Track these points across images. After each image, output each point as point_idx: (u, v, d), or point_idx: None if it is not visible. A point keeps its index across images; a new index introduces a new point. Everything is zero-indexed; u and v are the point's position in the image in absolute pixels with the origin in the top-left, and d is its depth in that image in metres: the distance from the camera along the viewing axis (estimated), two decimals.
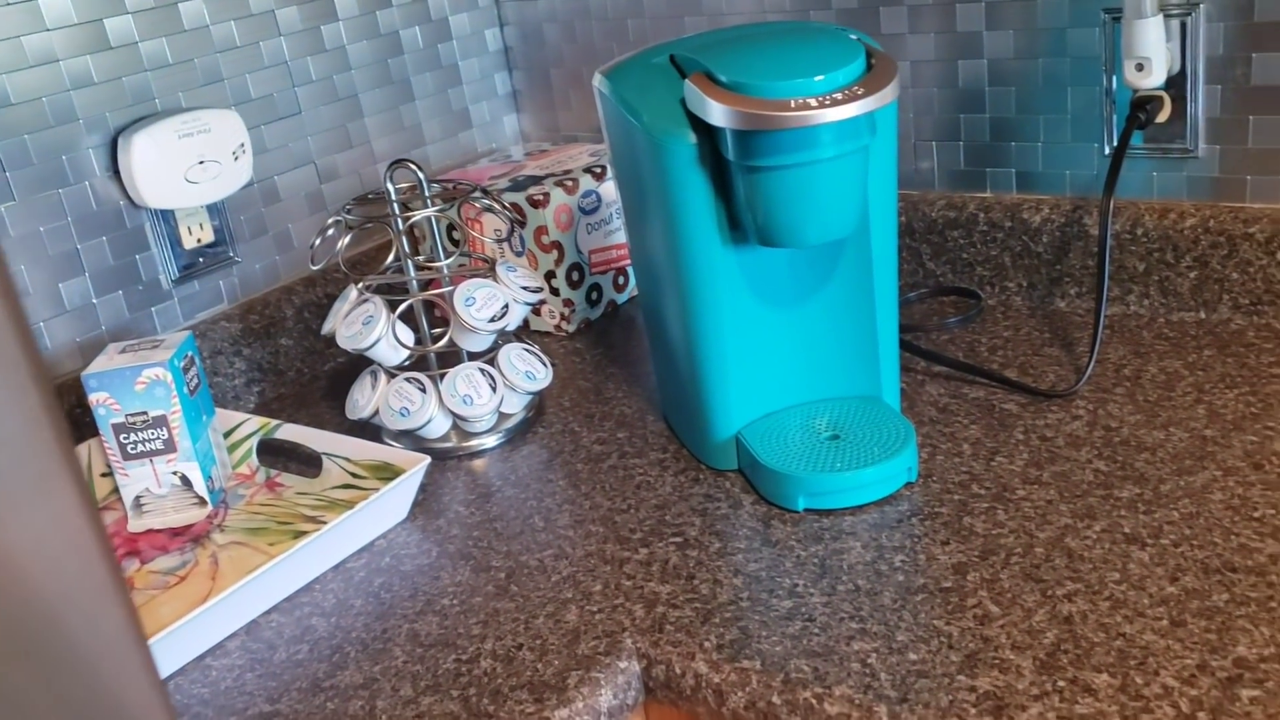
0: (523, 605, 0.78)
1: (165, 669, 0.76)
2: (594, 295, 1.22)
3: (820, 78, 0.74)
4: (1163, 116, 0.99)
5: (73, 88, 1.02)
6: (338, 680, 0.73)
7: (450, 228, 1.22)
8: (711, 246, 0.83)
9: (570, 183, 1.18)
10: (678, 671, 0.70)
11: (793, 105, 0.73)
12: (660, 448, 0.95)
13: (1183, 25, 0.96)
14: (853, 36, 0.84)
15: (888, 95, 0.74)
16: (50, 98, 1.00)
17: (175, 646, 0.75)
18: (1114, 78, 1.01)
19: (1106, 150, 1.03)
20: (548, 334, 1.22)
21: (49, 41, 1.00)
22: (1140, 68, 0.96)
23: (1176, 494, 0.79)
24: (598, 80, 0.88)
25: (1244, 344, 0.96)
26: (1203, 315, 1.02)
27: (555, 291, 1.19)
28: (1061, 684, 0.64)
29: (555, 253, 1.17)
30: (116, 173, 1.05)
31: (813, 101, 0.73)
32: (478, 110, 1.38)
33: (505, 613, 0.77)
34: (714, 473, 0.90)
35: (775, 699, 0.67)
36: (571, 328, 1.21)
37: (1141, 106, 0.98)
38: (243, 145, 1.10)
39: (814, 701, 0.66)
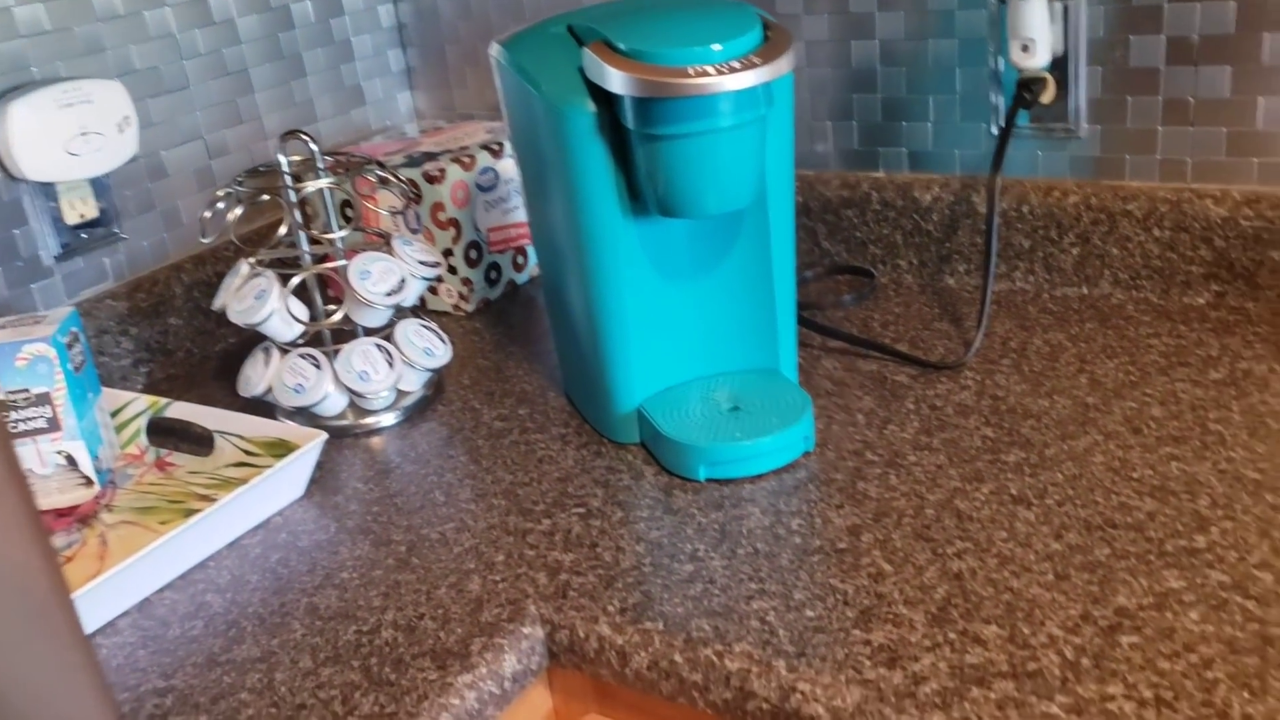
0: (424, 577, 0.77)
1: None
2: (493, 274, 1.21)
3: (718, 46, 0.75)
4: (1047, 97, 1.02)
5: None
6: (234, 654, 0.72)
7: (345, 204, 1.21)
8: (612, 218, 0.83)
9: (467, 159, 1.17)
10: (581, 635, 0.70)
11: (691, 73, 0.73)
12: (562, 423, 0.95)
13: (1065, 8, 0.99)
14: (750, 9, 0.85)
15: (784, 65, 0.75)
16: None
17: None
18: (1001, 59, 1.04)
19: (994, 130, 1.06)
20: (446, 313, 1.21)
21: None
22: (1025, 49, 0.99)
23: (1060, 457, 0.82)
24: (495, 50, 0.87)
25: (1123, 317, 1.00)
26: (1085, 290, 1.06)
27: (453, 270, 1.18)
28: (952, 635, 0.66)
29: (452, 230, 1.16)
30: None
31: (710, 69, 0.73)
32: (370, 87, 1.36)
33: (406, 584, 0.76)
34: (616, 446, 0.91)
35: (677, 657, 0.67)
36: (470, 307, 1.20)
37: (1027, 87, 1.01)
38: (127, 117, 1.07)
39: (714, 658, 0.67)
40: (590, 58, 0.78)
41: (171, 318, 1.14)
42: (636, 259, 0.86)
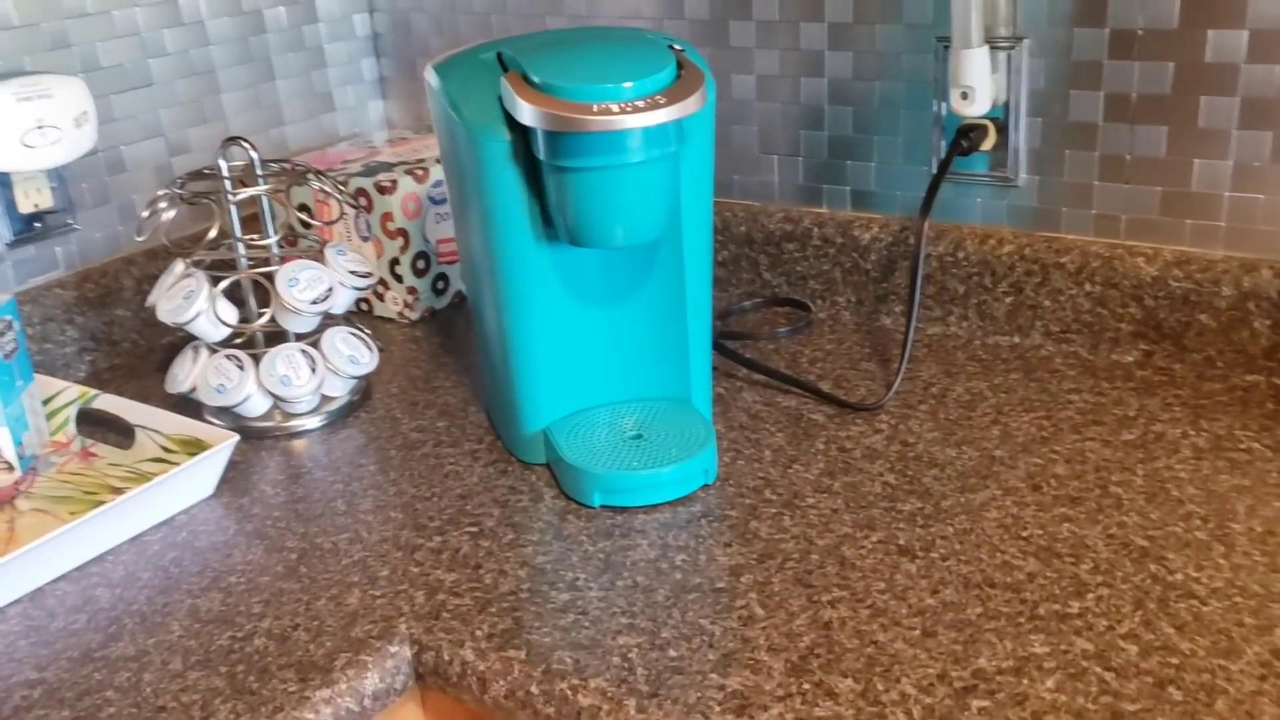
0: (308, 586, 0.78)
1: None
2: (440, 284, 1.23)
3: (628, 84, 0.76)
4: (987, 145, 1.03)
5: None
6: (109, 651, 0.73)
7: (304, 207, 1.22)
8: (524, 243, 0.84)
9: (421, 171, 1.19)
10: (446, 658, 0.71)
11: (595, 109, 0.74)
12: (476, 439, 0.96)
13: (1008, 58, 0.99)
14: (677, 46, 0.86)
15: (691, 105, 0.76)
16: None
17: None
18: (943, 105, 1.04)
19: (934, 172, 1.07)
20: (390, 320, 1.22)
21: None
22: (965, 96, 0.99)
23: (955, 510, 0.82)
24: (428, 72, 0.89)
25: (1049, 370, 1.00)
26: (1016, 340, 1.06)
27: (399, 278, 1.19)
28: (806, 686, 0.66)
29: (400, 240, 1.17)
30: None
31: (614, 107, 0.74)
32: (342, 94, 1.37)
33: (289, 593, 0.78)
34: (523, 466, 0.92)
35: (534, 689, 0.68)
36: (414, 315, 1.21)
37: (966, 134, 1.02)
38: (86, 113, 1.08)
39: (569, 693, 0.67)
40: (505, 88, 0.79)
41: (119, 309, 1.16)
42: (549, 283, 0.87)
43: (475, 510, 0.86)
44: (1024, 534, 0.79)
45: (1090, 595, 0.72)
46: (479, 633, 0.72)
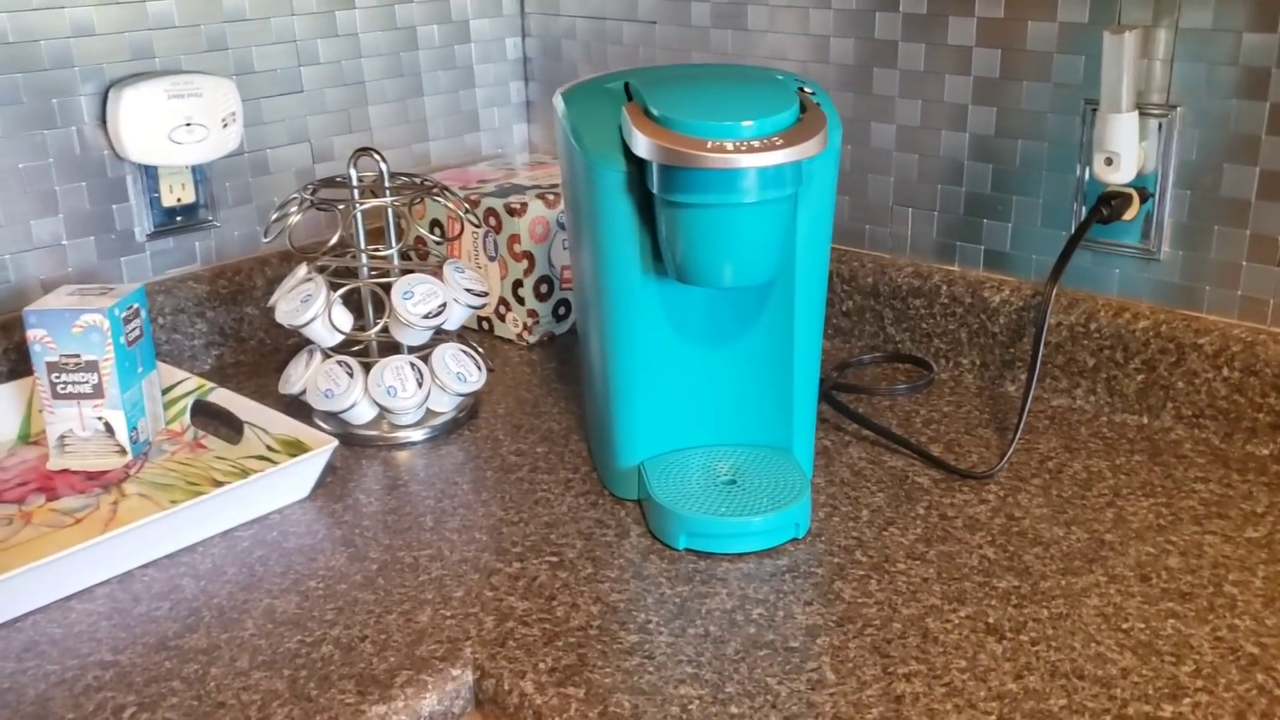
0: (382, 599, 0.78)
1: (29, 604, 0.78)
2: (561, 310, 1.23)
3: (748, 123, 0.74)
4: (1130, 214, 0.98)
5: (73, 35, 1.05)
6: (184, 641, 0.74)
7: (435, 224, 1.24)
8: (633, 275, 0.83)
9: (552, 196, 1.19)
10: (505, 688, 0.70)
11: (710, 146, 0.73)
12: (573, 468, 0.96)
13: (1160, 126, 0.95)
14: (807, 89, 0.84)
15: (810, 149, 0.74)
16: (49, 42, 1.04)
17: (42, 583, 0.77)
18: (1087, 170, 0.99)
19: None
20: (509, 341, 1.23)
21: None
22: (1110, 162, 0.95)
23: (1054, 593, 0.77)
24: (556, 97, 0.89)
25: (1177, 455, 0.94)
26: (1145, 420, 1.00)
27: (521, 300, 1.20)
28: None
29: (525, 263, 1.18)
30: (105, 122, 1.08)
31: (729, 145, 0.73)
32: (488, 115, 1.40)
33: (363, 603, 0.78)
34: (614, 500, 0.90)
35: None
36: (533, 338, 1.22)
37: (1108, 202, 0.97)
38: (233, 114, 1.13)
39: None
40: (625, 119, 0.78)
41: (249, 307, 1.19)
42: (654, 318, 0.86)
43: (559, 540, 0.85)
44: (1124, 625, 0.74)
45: (1187, 700, 0.67)
46: (542, 665, 0.71)
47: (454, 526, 0.87)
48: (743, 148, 0.73)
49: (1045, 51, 0.99)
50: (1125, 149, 0.94)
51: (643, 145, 0.75)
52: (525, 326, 1.21)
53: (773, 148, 0.73)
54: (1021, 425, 0.93)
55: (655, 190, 0.78)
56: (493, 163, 1.36)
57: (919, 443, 0.98)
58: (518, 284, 1.20)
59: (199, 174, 1.15)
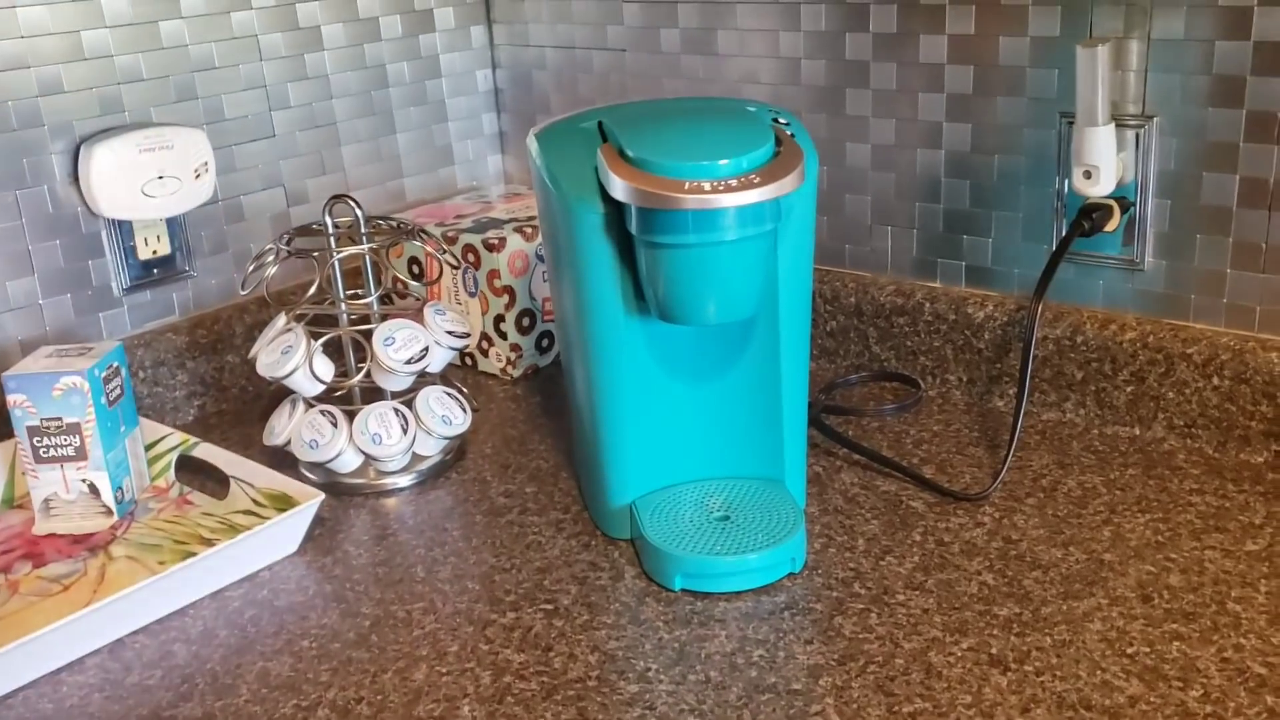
0: (377, 657, 0.77)
1: (18, 680, 0.76)
2: (544, 343, 1.22)
3: (723, 162, 0.74)
4: (1111, 226, 0.97)
5: (41, 94, 1.04)
6: (178, 711, 0.73)
7: (414, 261, 1.23)
8: (616, 315, 0.83)
9: (530, 229, 1.18)
10: None
11: (687, 187, 0.72)
12: (563, 508, 0.95)
13: (1137, 137, 0.94)
14: (781, 120, 0.84)
15: (787, 185, 0.73)
16: (17, 102, 1.03)
17: (31, 658, 0.76)
18: (1066, 182, 0.99)
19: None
20: (493, 376, 1.22)
21: (22, 48, 1.02)
22: (1088, 175, 0.94)
23: (1056, 619, 0.77)
24: (530, 139, 0.88)
25: (1171, 466, 0.94)
26: (1136, 431, 1.00)
27: (503, 335, 1.19)
28: None
29: (506, 297, 1.17)
30: (77, 179, 1.07)
31: (707, 185, 0.72)
32: (462, 148, 1.39)
33: (357, 663, 0.77)
34: (606, 540, 0.90)
35: None
36: (517, 372, 1.21)
37: (1088, 214, 0.97)
38: (206, 164, 1.11)
39: None
40: (600, 161, 0.78)
41: (229, 355, 1.18)
42: (640, 356, 0.85)
43: (553, 586, 0.84)
44: (1129, 651, 0.73)
45: None
46: None
47: (445, 576, 0.86)
48: (720, 187, 0.72)
49: (1018, 66, 0.99)
50: (1104, 161, 0.93)
51: (620, 189, 0.75)
52: (509, 361, 1.20)
53: (750, 186, 0.72)
54: (1014, 445, 0.93)
55: (634, 231, 0.78)
56: (468, 196, 1.35)
57: (911, 465, 0.97)
58: (499, 319, 1.19)
59: (174, 225, 1.14)
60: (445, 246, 1.01)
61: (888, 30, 1.06)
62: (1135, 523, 0.87)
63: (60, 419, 0.93)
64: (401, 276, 0.95)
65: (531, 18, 1.33)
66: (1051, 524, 0.87)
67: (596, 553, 0.88)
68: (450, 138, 1.37)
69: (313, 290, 0.96)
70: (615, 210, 0.80)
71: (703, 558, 0.81)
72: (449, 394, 1.02)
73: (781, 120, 0.84)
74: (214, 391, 1.18)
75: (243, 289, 0.99)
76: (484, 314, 1.20)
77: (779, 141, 0.77)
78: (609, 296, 0.82)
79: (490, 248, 1.16)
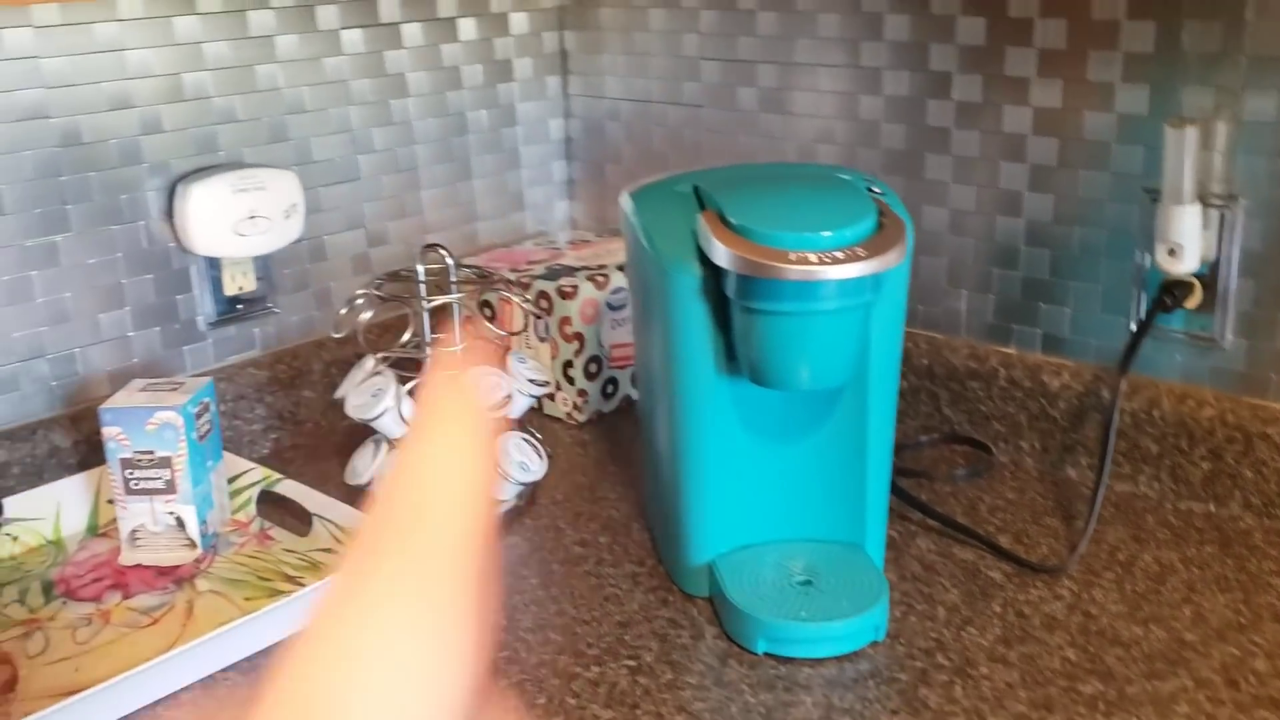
0: None
1: (119, 711, 0.78)
2: (609, 389, 1.23)
3: (826, 233, 0.75)
4: (1192, 303, 0.98)
5: (142, 133, 1.07)
6: None
7: (485, 304, 1.25)
8: (706, 375, 0.84)
9: (602, 278, 1.20)
10: None
11: (792, 258, 0.74)
12: (638, 560, 0.96)
13: (1221, 216, 0.95)
14: (875, 190, 0.85)
15: (891, 259, 0.75)
16: (120, 140, 1.05)
17: (131, 691, 0.77)
18: (1148, 257, 1.00)
19: (1134, 326, 1.02)
20: (558, 420, 1.23)
21: (127, 89, 1.05)
22: (1172, 253, 0.95)
23: (1141, 699, 0.77)
24: (624, 199, 0.90)
25: (1248, 545, 0.94)
26: (1212, 508, 1.00)
27: (571, 380, 1.20)
28: None
29: (576, 343, 1.19)
30: (171, 216, 1.09)
31: (812, 256, 0.74)
32: (532, 194, 1.41)
33: None
34: (684, 596, 0.90)
35: None
36: (583, 418, 1.22)
37: (1170, 290, 0.98)
38: (295, 205, 1.14)
39: None
40: (702, 226, 0.79)
41: (307, 390, 1.20)
42: (727, 416, 0.86)
43: (634, 642, 0.85)
44: None
45: None
46: None
47: (527, 625, 0.87)
48: (826, 259, 0.73)
49: (1103, 141, 1.00)
50: (1188, 240, 0.94)
51: (723, 255, 0.76)
52: (575, 406, 1.22)
53: (856, 259, 0.74)
54: (1094, 519, 0.93)
55: (733, 296, 0.79)
56: (538, 241, 1.37)
57: (987, 533, 0.98)
58: (568, 364, 1.20)
59: (260, 263, 1.16)
60: (528, 297, 1.03)
61: (971, 99, 1.07)
62: (1215, 602, 0.87)
63: (153, 452, 0.95)
64: (491, 327, 0.97)
65: (607, 70, 1.36)
66: (1131, 600, 0.88)
67: (675, 609, 0.89)
68: (522, 184, 1.40)
69: (406, 336, 0.98)
70: (712, 273, 0.81)
71: (787, 622, 0.81)
72: (526, 440, 1.03)
73: (876, 189, 0.85)
74: (290, 425, 1.19)
75: (335, 331, 1.01)
76: (553, 359, 1.21)
77: (881, 214, 0.79)
78: (701, 356, 0.84)
79: (564, 295, 1.18)
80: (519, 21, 1.34)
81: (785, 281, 0.76)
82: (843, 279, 0.75)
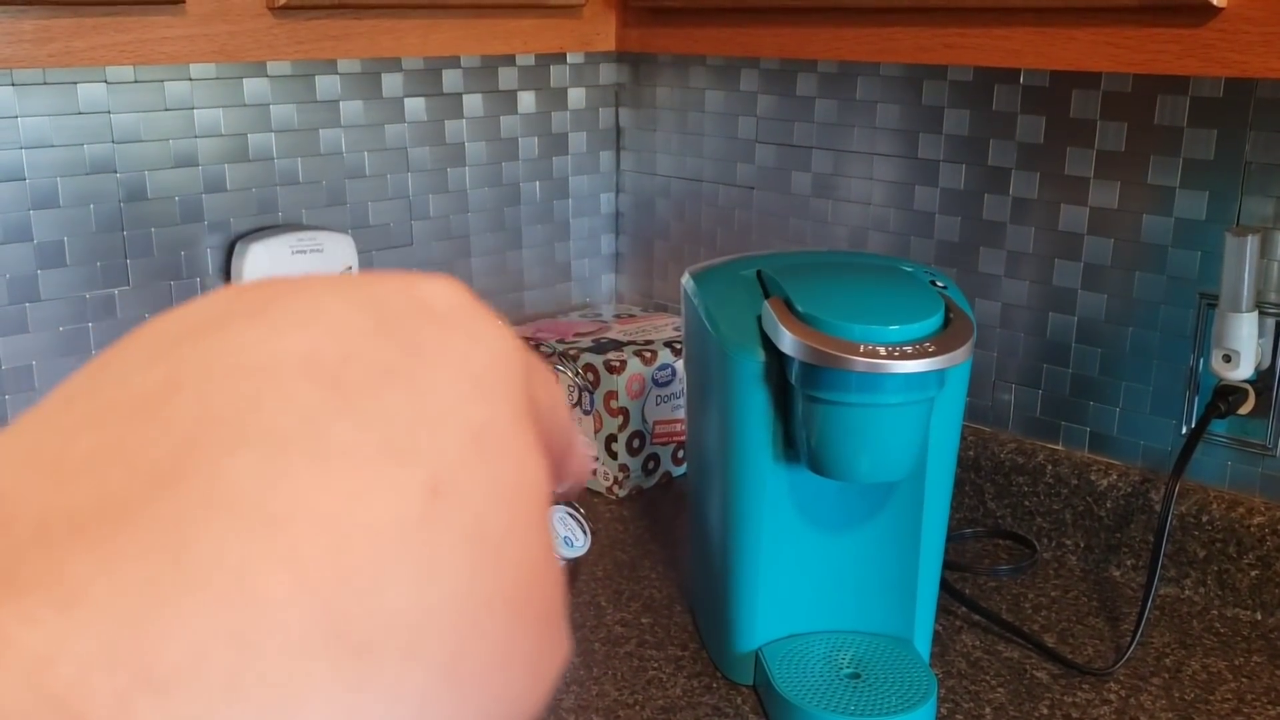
0: None
1: None
2: (650, 464, 1.23)
3: (895, 327, 0.76)
4: (1245, 409, 0.98)
5: (205, 191, 1.08)
6: None
7: None
8: (763, 461, 0.84)
9: (649, 354, 1.21)
10: None
11: (861, 350, 0.74)
12: (681, 644, 0.95)
13: (1277, 324, 0.96)
14: (939, 284, 0.86)
15: (958, 357, 0.75)
16: (183, 197, 1.07)
17: None
18: (1201, 360, 1.00)
19: (1184, 430, 1.02)
20: (598, 494, 1.23)
21: (194, 147, 1.07)
22: (1228, 359, 0.96)
23: None
24: (685, 279, 0.90)
25: None
26: (1259, 616, 0.99)
27: (613, 455, 1.20)
28: None
29: (621, 418, 1.19)
30: (228, 274, 1.10)
31: (881, 350, 0.74)
32: (579, 266, 1.42)
33: None
34: (728, 683, 0.89)
35: None
36: (623, 493, 1.22)
37: (1224, 396, 0.98)
38: (350, 268, 1.15)
39: None
40: (768, 312, 0.80)
41: None
42: (781, 504, 0.86)
43: None
44: None
45: None
46: None
47: (570, 706, 0.86)
48: (895, 353, 0.74)
49: (1160, 245, 1.01)
50: (1244, 347, 0.94)
51: (791, 344, 0.76)
52: (616, 480, 1.22)
53: (925, 354, 0.74)
54: (1144, 621, 0.92)
55: (796, 385, 0.79)
56: (584, 314, 1.38)
57: (1032, 631, 0.97)
58: (611, 439, 1.20)
59: None
60: (576, 369, 1.04)
61: (1028, 196, 1.08)
62: (1266, 715, 0.86)
63: None
64: None
65: (660, 148, 1.37)
66: (1179, 708, 0.87)
67: (719, 696, 0.88)
68: (570, 256, 1.41)
69: None
70: (775, 359, 0.81)
71: (835, 715, 0.80)
72: (571, 514, 1.03)
73: (939, 283, 0.86)
74: None
75: None
76: (596, 432, 1.21)
77: (948, 309, 0.79)
78: (759, 442, 0.84)
79: (611, 369, 1.18)
80: (576, 97, 1.36)
81: (852, 373, 0.76)
82: (910, 373, 0.75)
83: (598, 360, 1.19)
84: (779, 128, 1.25)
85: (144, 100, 1.03)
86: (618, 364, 1.18)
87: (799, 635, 0.89)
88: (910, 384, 0.77)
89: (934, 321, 0.77)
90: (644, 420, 1.21)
